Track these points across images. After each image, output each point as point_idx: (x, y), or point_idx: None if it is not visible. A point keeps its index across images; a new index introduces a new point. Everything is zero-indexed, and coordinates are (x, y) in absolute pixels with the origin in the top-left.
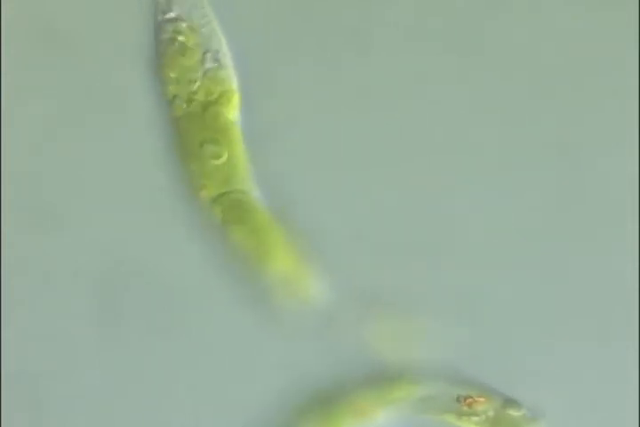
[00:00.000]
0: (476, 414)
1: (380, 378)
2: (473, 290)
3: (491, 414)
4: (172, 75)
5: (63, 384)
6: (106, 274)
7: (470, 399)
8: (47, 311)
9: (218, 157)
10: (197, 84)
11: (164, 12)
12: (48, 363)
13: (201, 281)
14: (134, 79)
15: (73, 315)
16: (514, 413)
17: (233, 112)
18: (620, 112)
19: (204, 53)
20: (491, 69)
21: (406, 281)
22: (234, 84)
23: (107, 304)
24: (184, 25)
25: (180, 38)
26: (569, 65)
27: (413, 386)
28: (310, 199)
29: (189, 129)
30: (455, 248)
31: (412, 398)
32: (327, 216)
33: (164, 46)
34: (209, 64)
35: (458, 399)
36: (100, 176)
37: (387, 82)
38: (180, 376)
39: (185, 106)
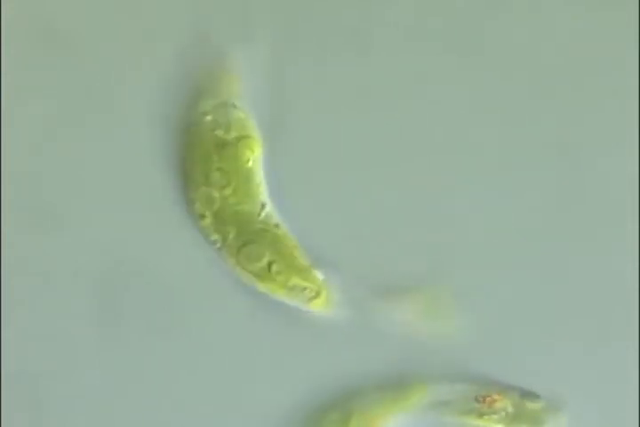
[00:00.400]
0: (495, 413)
1: (395, 383)
2: (473, 291)
3: (510, 409)
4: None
5: (63, 384)
6: (106, 274)
7: (490, 398)
8: (47, 311)
9: (225, 185)
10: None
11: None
12: (48, 363)
13: (201, 281)
14: (134, 79)
15: (73, 315)
16: (532, 405)
17: (251, 155)
18: (620, 112)
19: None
20: (491, 69)
21: (409, 284)
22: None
23: (107, 304)
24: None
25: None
26: (569, 65)
27: (428, 390)
28: (314, 202)
29: (198, 152)
30: (455, 248)
31: (429, 401)
32: (333, 220)
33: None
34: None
35: (477, 400)
36: (99, 176)
37: (387, 82)
38: (180, 376)
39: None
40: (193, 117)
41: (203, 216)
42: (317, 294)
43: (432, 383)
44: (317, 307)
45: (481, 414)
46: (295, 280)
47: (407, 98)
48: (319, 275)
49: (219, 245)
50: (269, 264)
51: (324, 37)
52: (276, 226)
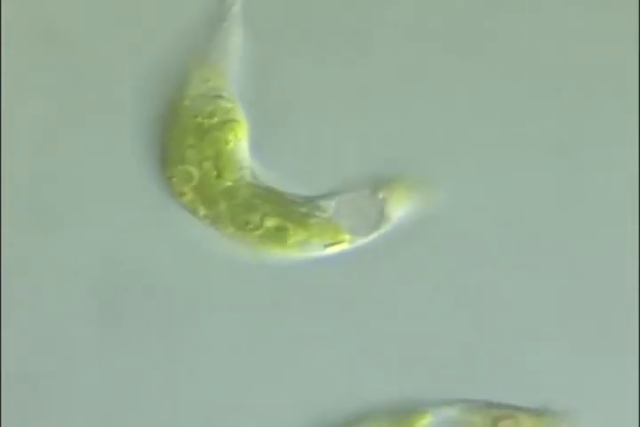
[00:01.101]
0: None
1: (403, 409)
2: (473, 291)
3: None
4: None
5: (63, 384)
6: (106, 274)
7: (508, 419)
8: (47, 311)
9: (202, 161)
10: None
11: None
12: (48, 363)
13: (201, 281)
14: (134, 79)
15: (73, 315)
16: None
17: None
18: (620, 112)
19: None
20: (491, 69)
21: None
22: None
23: (107, 304)
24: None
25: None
26: (569, 65)
27: (432, 415)
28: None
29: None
30: (455, 248)
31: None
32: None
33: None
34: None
35: (495, 421)
36: (99, 176)
37: (387, 82)
38: (179, 376)
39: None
40: (177, 105)
41: (183, 194)
42: (334, 239)
43: (435, 408)
44: (340, 244)
45: None
46: (305, 233)
47: (407, 98)
48: (324, 214)
49: (210, 219)
50: (277, 227)
51: (324, 37)
52: (261, 187)
